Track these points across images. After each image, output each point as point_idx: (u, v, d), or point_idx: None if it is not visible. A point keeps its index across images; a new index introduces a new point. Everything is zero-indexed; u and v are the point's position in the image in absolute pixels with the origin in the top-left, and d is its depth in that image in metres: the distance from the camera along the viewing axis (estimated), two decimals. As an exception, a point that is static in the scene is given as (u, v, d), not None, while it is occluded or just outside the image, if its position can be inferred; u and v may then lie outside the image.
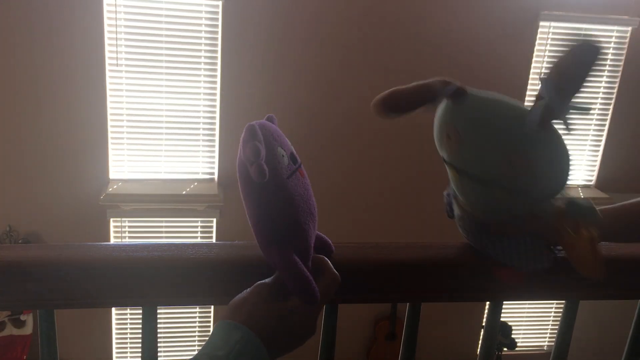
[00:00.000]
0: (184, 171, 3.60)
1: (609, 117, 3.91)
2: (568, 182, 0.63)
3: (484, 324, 0.91)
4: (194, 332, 3.96)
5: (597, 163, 3.99)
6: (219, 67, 3.36)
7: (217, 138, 3.51)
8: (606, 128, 3.92)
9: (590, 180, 4.04)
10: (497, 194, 0.63)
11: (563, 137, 0.61)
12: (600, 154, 3.97)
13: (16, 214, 3.43)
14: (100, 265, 0.69)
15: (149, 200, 3.44)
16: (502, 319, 0.96)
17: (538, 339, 4.46)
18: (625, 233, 0.78)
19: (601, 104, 3.89)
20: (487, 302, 0.87)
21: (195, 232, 3.75)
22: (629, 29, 3.70)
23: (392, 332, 4.00)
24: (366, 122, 3.56)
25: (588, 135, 3.96)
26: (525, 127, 0.59)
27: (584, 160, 4.00)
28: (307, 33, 3.41)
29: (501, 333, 3.59)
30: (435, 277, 0.77)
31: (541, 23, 3.60)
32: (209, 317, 3.94)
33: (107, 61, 3.26)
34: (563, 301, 0.88)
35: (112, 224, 3.57)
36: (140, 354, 0.78)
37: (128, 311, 3.82)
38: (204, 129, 3.52)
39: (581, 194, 3.92)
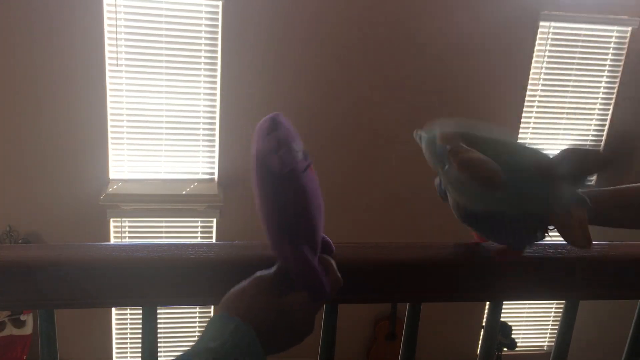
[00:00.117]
0: (184, 171, 3.60)
1: (609, 118, 3.91)
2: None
3: (484, 324, 0.91)
4: (194, 332, 3.96)
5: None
6: (219, 67, 3.36)
7: (217, 138, 3.51)
8: (606, 128, 3.93)
9: (591, 180, 4.04)
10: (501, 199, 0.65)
11: None
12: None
13: (16, 214, 3.43)
14: (100, 265, 0.69)
15: (149, 200, 3.44)
16: (502, 319, 0.97)
17: (538, 339, 4.46)
18: (616, 214, 0.80)
19: (601, 104, 3.89)
20: (487, 302, 0.87)
21: (195, 232, 3.75)
22: (629, 29, 3.70)
23: (392, 332, 4.00)
24: (366, 122, 3.57)
25: (588, 135, 3.96)
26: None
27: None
28: (307, 33, 3.41)
29: (501, 333, 3.59)
30: (435, 277, 0.77)
31: (541, 23, 3.60)
32: (209, 317, 3.94)
33: (107, 61, 3.26)
34: (563, 301, 0.88)
35: (112, 224, 3.57)
36: (140, 354, 0.78)
37: (128, 311, 3.82)
38: (204, 129, 3.52)
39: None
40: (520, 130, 3.82)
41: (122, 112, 3.40)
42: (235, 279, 0.59)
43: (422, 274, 0.77)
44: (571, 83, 3.82)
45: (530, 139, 3.89)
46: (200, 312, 3.92)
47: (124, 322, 3.86)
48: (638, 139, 3.94)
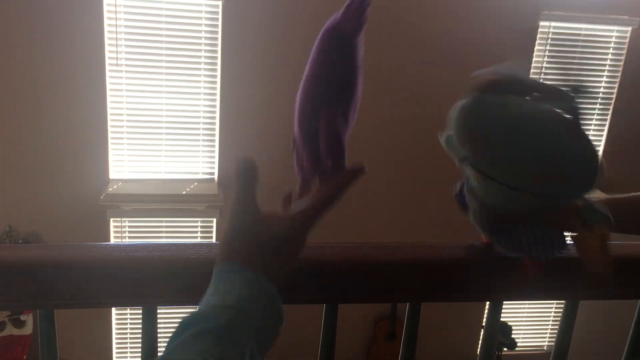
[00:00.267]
0: (184, 171, 3.60)
1: (608, 118, 3.91)
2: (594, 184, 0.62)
3: (484, 324, 0.91)
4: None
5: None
6: (219, 67, 3.36)
7: (217, 138, 3.51)
8: (606, 128, 3.93)
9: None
10: (526, 197, 0.62)
11: (592, 140, 0.62)
12: (600, 154, 3.97)
13: (16, 214, 3.43)
14: (100, 265, 0.69)
15: (149, 200, 3.44)
16: (502, 319, 0.96)
17: (538, 339, 4.46)
18: (626, 223, 0.79)
19: (601, 104, 3.89)
20: (487, 302, 0.87)
21: (195, 232, 3.75)
22: (629, 29, 3.70)
23: (392, 332, 4.00)
24: (366, 121, 3.56)
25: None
26: (556, 133, 0.59)
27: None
28: (307, 33, 3.39)
29: (501, 333, 3.59)
30: (435, 277, 0.77)
31: (541, 23, 3.60)
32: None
33: (107, 61, 3.26)
34: (563, 301, 0.88)
35: (112, 224, 3.57)
36: (140, 354, 0.78)
37: (128, 311, 3.81)
38: (204, 129, 3.52)
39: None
40: (520, 130, 3.81)
41: (122, 112, 3.40)
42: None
43: (422, 274, 0.77)
44: (571, 83, 3.82)
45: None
46: (200, 312, 3.92)
47: (124, 322, 3.86)
48: (638, 138, 3.94)
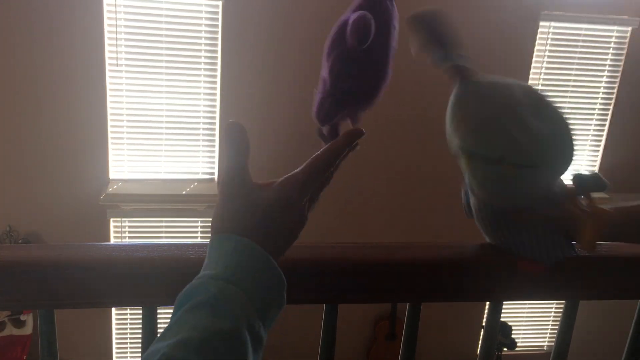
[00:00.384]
0: (184, 171, 3.60)
1: (608, 118, 3.91)
2: (573, 160, 0.66)
3: (484, 324, 0.91)
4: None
5: (597, 163, 3.99)
6: (219, 67, 3.36)
7: (217, 138, 3.51)
8: (606, 128, 3.92)
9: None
10: (508, 172, 0.65)
11: (562, 112, 0.67)
12: (600, 154, 3.97)
13: (16, 214, 3.43)
14: (100, 265, 0.69)
15: (149, 200, 3.44)
16: (502, 319, 0.97)
17: (538, 339, 4.46)
18: (630, 232, 0.79)
19: (601, 104, 3.89)
20: (487, 302, 0.87)
21: (195, 232, 3.75)
22: (629, 29, 3.70)
23: (392, 332, 4.00)
24: (366, 121, 3.56)
25: (588, 135, 3.96)
26: (525, 101, 0.64)
27: (583, 160, 4.00)
28: (307, 33, 3.40)
29: (501, 333, 3.59)
30: (435, 277, 0.77)
31: (541, 23, 3.60)
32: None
33: (107, 61, 3.26)
34: (563, 301, 0.88)
35: (112, 224, 3.57)
36: (140, 354, 0.78)
37: (128, 311, 3.81)
38: (204, 129, 3.52)
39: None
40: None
41: (122, 112, 3.39)
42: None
43: (422, 274, 0.77)
44: (571, 83, 3.82)
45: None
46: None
47: (124, 322, 3.86)
48: (638, 138, 3.94)
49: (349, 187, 3.72)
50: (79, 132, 3.35)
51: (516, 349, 3.74)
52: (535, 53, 3.67)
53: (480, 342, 1.28)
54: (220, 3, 3.25)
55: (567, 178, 0.70)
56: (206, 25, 3.32)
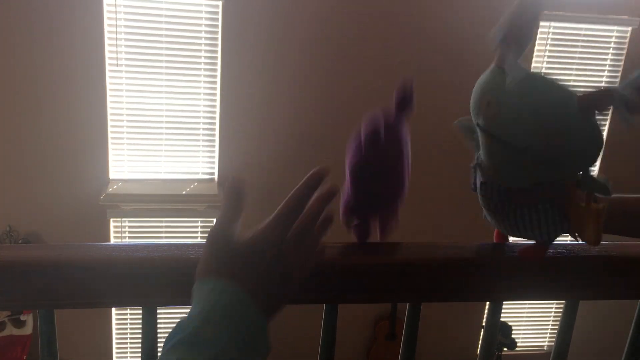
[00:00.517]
0: (184, 171, 3.60)
1: (608, 118, 3.90)
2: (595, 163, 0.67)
3: (484, 324, 0.91)
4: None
5: (597, 163, 3.99)
6: (219, 67, 3.36)
7: (217, 138, 3.51)
8: (606, 128, 3.92)
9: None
10: (528, 162, 0.65)
11: (599, 123, 0.66)
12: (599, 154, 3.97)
13: (16, 214, 3.43)
14: (100, 265, 0.69)
15: (149, 200, 3.44)
16: (502, 319, 0.97)
17: (538, 339, 4.46)
18: (627, 225, 0.80)
19: (601, 104, 3.89)
20: (487, 302, 0.87)
21: (195, 232, 3.75)
22: (629, 29, 3.70)
23: (392, 332, 4.00)
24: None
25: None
26: (570, 109, 0.63)
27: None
28: (307, 33, 3.41)
29: (501, 333, 3.59)
30: (435, 277, 0.77)
31: (541, 23, 3.60)
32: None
33: (107, 61, 3.26)
34: (563, 301, 0.88)
35: (112, 224, 3.57)
36: (140, 354, 0.78)
37: (128, 311, 3.81)
38: (204, 129, 3.52)
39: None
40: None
41: (122, 112, 3.40)
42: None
43: (422, 274, 0.77)
44: (571, 83, 3.82)
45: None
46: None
47: (124, 322, 3.86)
48: (638, 139, 3.94)
49: (349, 187, 3.71)
50: (79, 132, 3.35)
51: (516, 349, 3.74)
52: (535, 53, 3.67)
53: (480, 342, 1.28)
54: (220, 3, 3.25)
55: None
56: (206, 25, 3.32)
